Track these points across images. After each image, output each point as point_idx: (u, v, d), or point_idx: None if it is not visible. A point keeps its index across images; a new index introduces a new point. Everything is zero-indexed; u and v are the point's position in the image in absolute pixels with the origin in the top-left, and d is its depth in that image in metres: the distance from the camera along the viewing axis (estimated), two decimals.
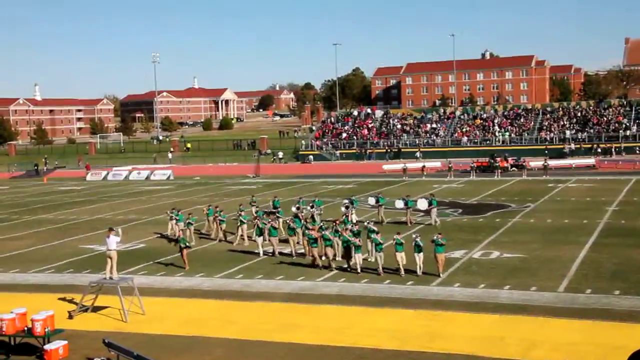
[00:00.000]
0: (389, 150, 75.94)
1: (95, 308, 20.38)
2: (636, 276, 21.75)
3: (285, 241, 28.35)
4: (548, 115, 78.52)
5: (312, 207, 32.22)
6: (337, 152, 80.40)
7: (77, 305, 20.25)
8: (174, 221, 31.74)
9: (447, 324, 17.96)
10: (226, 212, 32.97)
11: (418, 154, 72.48)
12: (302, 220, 29.31)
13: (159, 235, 33.18)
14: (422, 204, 33.27)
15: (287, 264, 25.76)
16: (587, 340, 15.87)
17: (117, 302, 19.73)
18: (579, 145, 69.35)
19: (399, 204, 33.70)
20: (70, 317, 19.77)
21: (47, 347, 16.59)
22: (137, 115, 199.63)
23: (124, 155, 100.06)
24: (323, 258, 25.01)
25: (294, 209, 31.69)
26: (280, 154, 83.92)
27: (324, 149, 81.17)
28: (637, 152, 67.00)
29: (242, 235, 29.83)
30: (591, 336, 16.15)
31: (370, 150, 76.82)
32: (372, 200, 34.98)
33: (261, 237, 27.33)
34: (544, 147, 70.73)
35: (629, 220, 32.27)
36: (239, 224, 29.98)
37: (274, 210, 31.85)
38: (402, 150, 75.98)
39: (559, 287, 20.86)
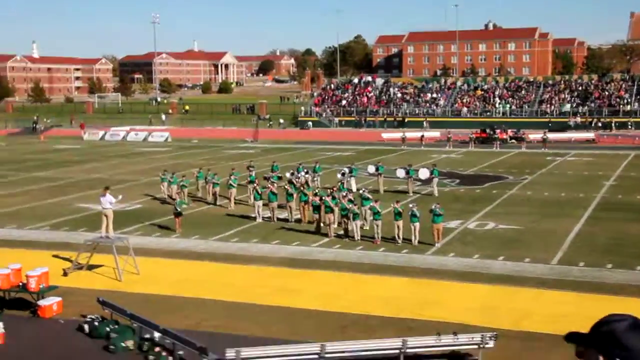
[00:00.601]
0: (394, 119, 75.47)
1: (90, 266, 20.43)
2: (630, 250, 21.82)
3: (283, 207, 28.36)
4: (549, 88, 78.03)
5: (306, 173, 32.17)
6: (336, 119, 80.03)
7: (72, 263, 20.30)
8: (166, 183, 31.75)
9: (440, 293, 18.04)
10: (220, 175, 32.88)
11: (425, 124, 72.08)
12: (299, 185, 29.32)
13: (154, 197, 33.15)
14: (424, 174, 33.23)
15: (284, 229, 25.79)
16: (578, 312, 15.97)
17: (112, 261, 19.77)
18: (584, 119, 68.94)
19: (400, 172, 33.65)
20: (65, 274, 19.82)
21: (41, 302, 16.66)
22: (136, 76, 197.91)
23: (122, 115, 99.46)
24: (322, 225, 25.06)
25: (288, 174, 31.66)
26: (281, 120, 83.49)
27: (324, 115, 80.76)
28: (630, 127, 66.64)
29: (229, 199, 30.10)
30: (583, 308, 16.24)
31: (372, 119, 76.25)
32: (371, 169, 34.90)
33: (260, 201, 27.32)
34: (547, 120, 70.37)
35: (625, 195, 32.28)
36: (228, 187, 30.01)
37: (270, 176, 31.82)
38: (407, 119, 75.36)
39: (553, 259, 20.93)
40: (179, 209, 25.32)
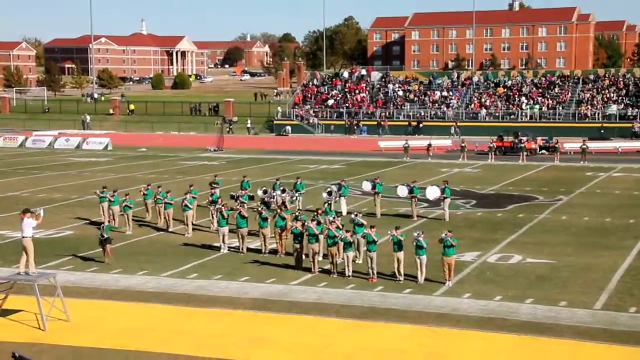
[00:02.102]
0: (408, 124, 75.89)
1: (4, 312, 20.21)
2: None
3: (254, 234, 28.34)
4: (590, 85, 78.99)
5: (284, 191, 32.25)
6: (321, 123, 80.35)
7: None
8: (106, 204, 31.68)
9: (452, 345, 18.05)
10: (175, 194, 32.81)
11: (453, 130, 72.48)
12: (275, 207, 29.32)
13: (89, 221, 32.99)
14: (433, 193, 33.39)
15: (255, 263, 25.74)
16: None
17: (34, 305, 19.58)
18: None
19: (403, 191, 33.80)
20: None
21: None
22: (67, 65, 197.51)
23: (48, 116, 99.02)
24: (303, 257, 25.08)
25: (260, 192, 31.71)
26: (249, 122, 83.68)
27: (311, 120, 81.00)
28: None
29: (185, 224, 30.29)
30: None
31: (383, 122, 76.29)
32: (367, 186, 35.03)
33: (225, 227, 27.31)
34: (600, 124, 71.01)
35: None
36: (184, 209, 30.04)
37: (239, 194, 31.83)
38: (425, 124, 75.73)
39: (596, 303, 21.06)
40: (105, 235, 25.24)
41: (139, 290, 22.67)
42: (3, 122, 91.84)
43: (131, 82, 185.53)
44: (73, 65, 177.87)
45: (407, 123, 76.39)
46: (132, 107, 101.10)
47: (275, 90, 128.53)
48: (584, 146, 55.28)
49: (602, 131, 69.59)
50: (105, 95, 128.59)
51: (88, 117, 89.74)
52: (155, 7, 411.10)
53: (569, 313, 20.16)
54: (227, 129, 69.41)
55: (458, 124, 73.87)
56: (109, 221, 29.55)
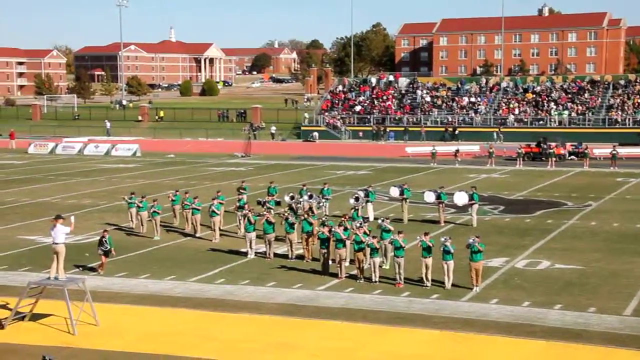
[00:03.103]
0: (445, 130, 75.67)
1: (35, 316, 20.46)
2: None
3: (281, 239, 28.44)
4: (620, 91, 78.22)
5: (311, 197, 32.33)
6: (349, 129, 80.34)
7: (11, 312, 20.33)
8: (134, 209, 31.96)
9: (480, 351, 17.99)
10: (202, 200, 33.02)
11: (496, 135, 72.06)
12: (302, 212, 29.40)
13: (118, 227, 33.31)
14: (461, 199, 33.32)
15: (282, 268, 25.83)
16: None
17: (64, 309, 19.80)
18: None
19: (430, 197, 33.77)
20: (2, 326, 19.86)
21: None
22: (97, 73, 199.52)
23: (78, 123, 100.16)
24: (330, 262, 25.13)
25: (287, 198, 31.82)
26: (273, 129, 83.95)
27: (339, 124, 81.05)
28: None
29: (213, 230, 30.46)
30: None
31: (423, 130, 75.90)
32: (395, 192, 35.02)
33: (253, 233, 27.44)
34: (638, 129, 70.15)
35: None
36: (211, 215, 30.24)
37: (266, 200, 31.97)
38: (459, 130, 75.44)
39: (626, 309, 20.88)
40: (108, 247, 24.99)
41: (167, 295, 22.84)
42: (34, 129, 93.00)
43: (160, 89, 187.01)
44: (103, 73, 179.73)
45: (444, 129, 76.15)
46: (161, 113, 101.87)
47: (305, 97, 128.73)
48: (614, 152, 54.79)
49: None
50: (134, 102, 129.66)
51: (108, 124, 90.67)
52: (184, 14, 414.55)
53: (598, 319, 19.99)
54: (250, 135, 69.60)
55: (502, 129, 73.32)
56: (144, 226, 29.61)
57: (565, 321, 19.88)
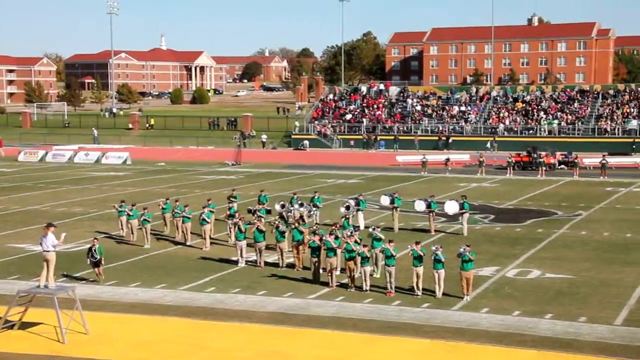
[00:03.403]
0: (438, 139, 75.81)
1: (24, 324, 20.36)
2: None
3: (272, 248, 28.40)
4: (610, 100, 78.62)
5: (302, 205, 32.33)
6: (339, 138, 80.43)
7: (0, 320, 20.22)
8: (125, 217, 31.89)
9: (471, 359, 17.99)
10: (193, 208, 32.95)
11: (490, 145, 72.24)
12: (293, 221, 29.38)
13: (108, 235, 33.21)
14: (452, 207, 33.35)
15: (273, 277, 25.78)
16: None
17: (53, 318, 19.71)
18: None
19: (420, 205, 33.80)
20: None
21: None
22: (87, 81, 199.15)
23: (68, 130, 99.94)
24: (321, 271, 25.11)
25: (277, 207, 31.79)
26: (264, 137, 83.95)
27: (328, 134, 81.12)
28: None
29: (203, 238, 30.42)
30: None
31: (417, 138, 75.86)
32: (385, 200, 35.04)
33: (243, 241, 27.41)
34: (632, 139, 70.37)
35: None
36: (202, 223, 30.17)
37: (257, 208, 31.95)
38: (452, 138, 75.59)
39: (616, 318, 20.92)
40: (97, 257, 24.79)
41: (158, 303, 22.76)
42: (24, 137, 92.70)
43: (150, 97, 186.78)
44: (93, 81, 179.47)
45: (437, 138, 76.31)
46: (152, 121, 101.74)
47: (297, 105, 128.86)
48: (604, 161, 55.00)
49: (634, 146, 69.03)
50: (124, 110, 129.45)
51: (95, 132, 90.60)
52: (174, 22, 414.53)
53: (589, 329, 20.03)
54: (239, 143, 69.49)
55: (496, 138, 73.48)
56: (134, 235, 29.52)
57: (555, 330, 19.90)
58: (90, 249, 25.13)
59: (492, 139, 73.58)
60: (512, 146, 67.76)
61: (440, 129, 78.49)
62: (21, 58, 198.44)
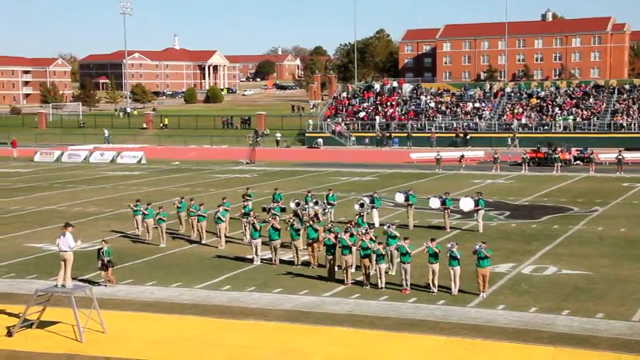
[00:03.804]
0: (455, 136, 75.65)
1: (42, 323, 20.48)
2: None
3: (287, 246, 28.43)
4: (626, 95, 78.13)
5: (316, 203, 32.34)
6: (353, 137, 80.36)
7: (18, 319, 20.36)
8: (140, 217, 32.00)
9: (487, 357, 17.94)
10: (208, 207, 33.03)
11: (511, 140, 71.92)
12: (307, 219, 29.40)
13: (124, 234, 33.34)
14: (467, 204, 33.27)
15: (288, 275, 25.82)
16: None
17: (71, 317, 19.82)
18: None
19: (435, 203, 33.73)
20: (10, 334, 19.88)
21: None
22: (101, 81, 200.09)
23: (83, 130, 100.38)
24: (336, 269, 25.13)
25: (292, 204, 31.82)
26: (278, 135, 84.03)
27: (344, 133, 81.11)
28: None
29: (218, 236, 30.49)
30: None
31: (434, 135, 75.61)
32: (400, 197, 34.99)
33: (258, 239, 27.46)
34: None
35: None
36: (217, 222, 30.24)
37: (271, 206, 32.00)
38: (470, 136, 75.31)
39: (634, 315, 20.81)
40: (106, 259, 24.29)
41: (174, 302, 22.84)
42: (40, 137, 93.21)
43: (164, 97, 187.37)
44: (107, 81, 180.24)
45: (454, 135, 76.13)
46: (166, 121, 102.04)
47: (312, 103, 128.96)
48: (620, 156, 54.69)
49: None
50: (138, 110, 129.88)
51: (107, 132, 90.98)
52: (187, 22, 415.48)
53: (607, 325, 19.93)
54: (251, 142, 69.55)
55: (517, 134, 73.16)
56: (138, 234, 29.55)
57: (573, 327, 19.82)
58: (99, 250, 24.89)
59: (512, 135, 73.23)
60: (531, 142, 67.40)
61: (455, 125, 78.30)
62: (36, 59, 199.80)
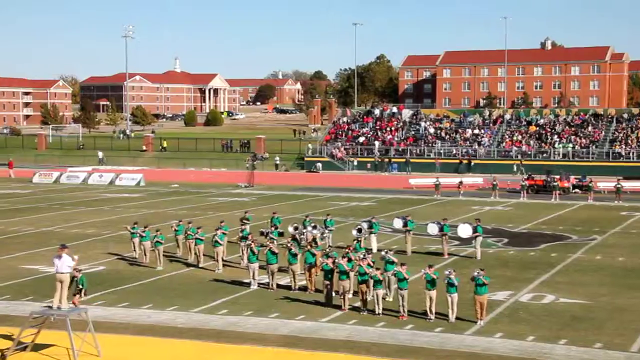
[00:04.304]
0: (459, 162, 75.86)
1: (37, 346, 20.34)
2: None
3: (285, 270, 28.33)
4: (624, 124, 78.37)
5: (314, 227, 32.29)
6: (355, 161, 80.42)
7: (13, 342, 20.24)
8: (137, 239, 31.92)
9: None
10: (206, 230, 33.00)
11: (516, 167, 71.99)
12: (305, 243, 29.33)
13: (121, 257, 33.24)
14: (465, 231, 33.22)
15: (285, 299, 25.71)
16: None
17: (66, 340, 19.70)
18: None
19: (433, 228, 33.66)
20: (3, 356, 19.76)
21: None
22: (102, 102, 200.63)
23: (82, 152, 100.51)
24: (333, 294, 25.02)
25: (290, 229, 31.75)
26: (277, 159, 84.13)
27: (343, 156, 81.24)
28: None
29: (216, 260, 30.39)
30: None
31: (438, 162, 75.65)
32: (398, 223, 34.94)
33: (256, 263, 27.38)
34: None
35: None
36: (214, 245, 30.17)
37: (269, 230, 31.96)
38: (474, 162, 75.48)
39: (632, 345, 20.67)
40: (81, 286, 23.18)
41: (170, 325, 22.71)
42: (39, 159, 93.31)
43: (164, 119, 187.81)
44: (108, 103, 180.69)
45: (458, 161, 76.32)
46: (165, 144, 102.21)
47: (313, 127, 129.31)
48: (619, 185, 54.72)
49: None
50: (136, 132, 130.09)
51: (100, 154, 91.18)
52: (188, 45, 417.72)
53: (605, 355, 19.81)
54: (247, 165, 69.52)
55: (523, 162, 73.21)
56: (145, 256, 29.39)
57: (571, 356, 19.69)
58: (72, 279, 24.05)
59: (519, 161, 73.30)
60: (529, 169, 67.50)
61: (454, 152, 78.48)
62: (37, 80, 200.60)
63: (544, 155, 75.61)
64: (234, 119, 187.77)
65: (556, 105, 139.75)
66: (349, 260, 24.98)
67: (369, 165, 79.44)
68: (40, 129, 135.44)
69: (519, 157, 74.96)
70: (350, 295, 24.68)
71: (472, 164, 75.32)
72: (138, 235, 31.98)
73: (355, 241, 30.42)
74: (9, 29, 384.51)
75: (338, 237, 35.89)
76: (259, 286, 27.34)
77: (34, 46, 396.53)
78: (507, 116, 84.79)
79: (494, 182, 57.32)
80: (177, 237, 33.43)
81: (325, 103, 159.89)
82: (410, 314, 23.31)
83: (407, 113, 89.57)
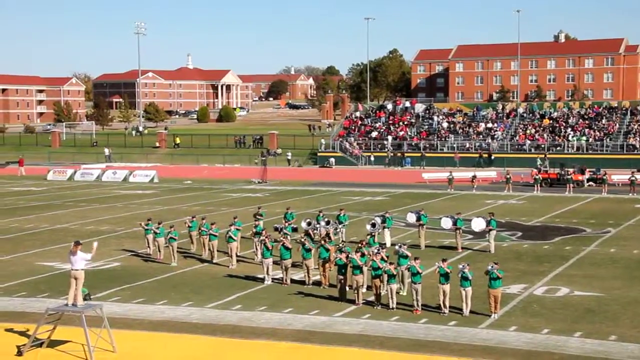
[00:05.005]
0: (479, 155, 75.62)
1: (53, 342, 20.50)
2: None
3: (298, 265, 28.39)
4: (639, 116, 77.90)
5: (328, 223, 32.33)
6: (371, 156, 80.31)
7: (28, 339, 20.38)
8: (151, 235, 32.04)
9: None
10: (219, 226, 33.08)
11: (540, 161, 71.64)
12: (319, 238, 29.37)
13: (135, 253, 33.40)
14: (479, 225, 33.19)
15: (299, 294, 25.77)
16: None
17: (81, 336, 19.83)
18: None
19: (446, 223, 33.66)
20: (20, 353, 19.91)
21: None
22: (115, 100, 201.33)
23: (96, 149, 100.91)
24: (347, 289, 25.08)
25: (303, 224, 31.81)
26: (289, 155, 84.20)
27: (357, 152, 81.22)
28: None
29: (230, 256, 30.48)
30: None
31: (457, 156, 75.58)
32: (411, 217, 34.96)
33: (270, 259, 27.46)
34: None
35: None
36: (228, 241, 30.26)
37: (283, 226, 32.01)
38: (494, 156, 75.31)
39: None
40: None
41: (184, 321, 22.82)
42: (53, 156, 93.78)
43: (177, 115, 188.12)
44: (121, 100, 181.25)
45: (478, 155, 76.06)
46: (178, 140, 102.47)
47: (327, 122, 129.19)
48: (633, 178, 54.46)
49: None
50: (149, 129, 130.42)
51: (107, 151, 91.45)
52: (201, 41, 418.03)
53: (620, 347, 19.76)
54: (257, 161, 69.44)
55: (547, 155, 72.76)
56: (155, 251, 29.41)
57: (585, 349, 19.66)
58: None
59: (542, 155, 72.93)
60: (520, 163, 67.40)
61: (467, 146, 78.27)
62: (50, 78, 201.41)
63: (558, 148, 75.29)
64: (239, 115, 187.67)
65: (570, 98, 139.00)
66: (363, 255, 25.02)
67: (387, 160, 79.30)
68: (54, 126, 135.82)
69: (542, 151, 74.25)
70: (364, 290, 24.73)
71: (493, 157, 74.87)
72: (152, 231, 32.11)
73: (369, 236, 30.45)
74: (21, 28, 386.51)
75: (351, 232, 35.92)
76: (272, 281, 27.43)
77: (47, 44, 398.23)
78: (521, 110, 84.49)
79: (508, 176, 57.18)
80: (191, 233, 33.55)
81: (337, 98, 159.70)
82: (424, 308, 23.32)
83: (420, 107, 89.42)
